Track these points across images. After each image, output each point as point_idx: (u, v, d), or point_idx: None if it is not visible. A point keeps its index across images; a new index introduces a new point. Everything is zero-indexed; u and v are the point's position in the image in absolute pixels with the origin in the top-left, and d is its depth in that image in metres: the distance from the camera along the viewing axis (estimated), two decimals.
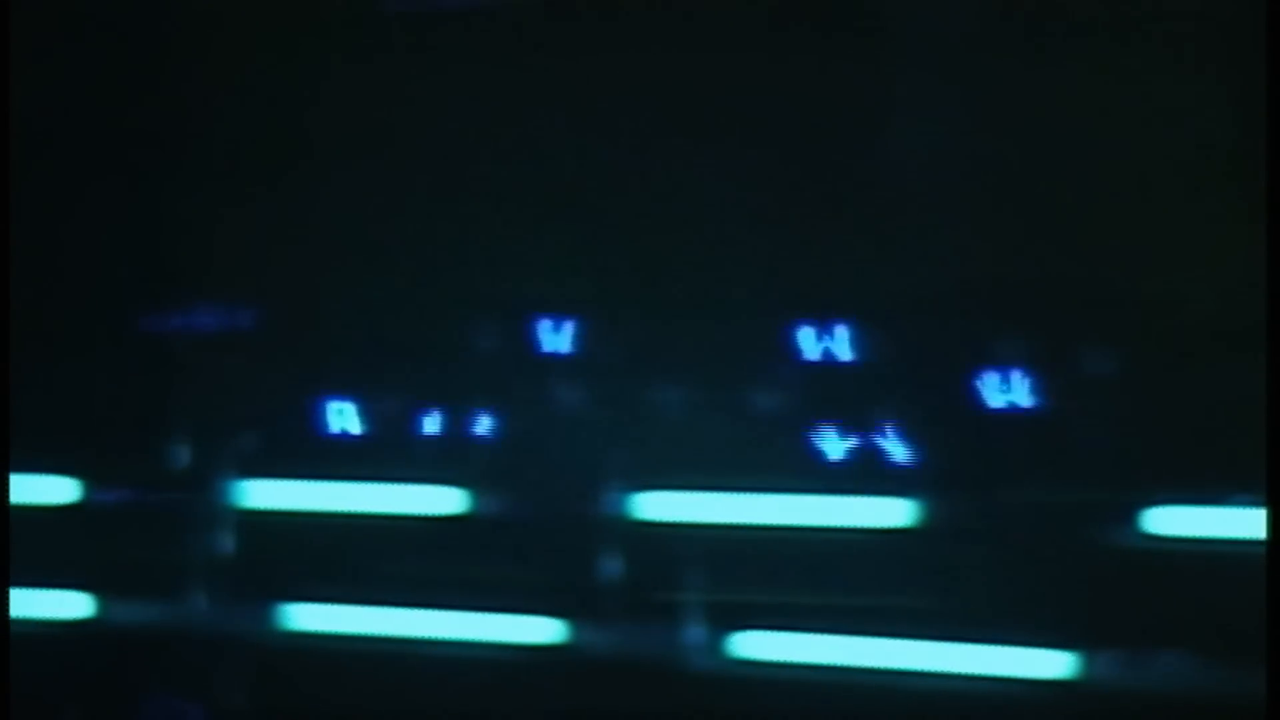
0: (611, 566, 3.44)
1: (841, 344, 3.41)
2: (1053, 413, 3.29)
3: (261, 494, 3.66)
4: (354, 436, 3.64)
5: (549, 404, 3.56)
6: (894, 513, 3.30)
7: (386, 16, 3.70)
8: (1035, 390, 3.30)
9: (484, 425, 3.58)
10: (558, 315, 3.57)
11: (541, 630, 3.47)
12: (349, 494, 3.61)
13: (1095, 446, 3.22)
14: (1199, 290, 3.20)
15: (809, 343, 3.43)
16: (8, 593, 3.51)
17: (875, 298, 3.40)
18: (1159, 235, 3.25)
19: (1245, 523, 3.05)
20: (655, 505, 3.45)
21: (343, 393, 3.65)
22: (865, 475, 3.35)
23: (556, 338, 3.57)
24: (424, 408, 3.60)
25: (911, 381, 3.37)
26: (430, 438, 3.60)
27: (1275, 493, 2.81)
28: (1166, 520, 3.15)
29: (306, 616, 3.62)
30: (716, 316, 3.47)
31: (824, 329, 3.42)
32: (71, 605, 3.72)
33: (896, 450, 3.37)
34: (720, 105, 3.52)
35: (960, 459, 3.32)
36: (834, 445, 3.39)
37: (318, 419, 3.65)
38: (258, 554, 3.65)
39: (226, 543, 3.66)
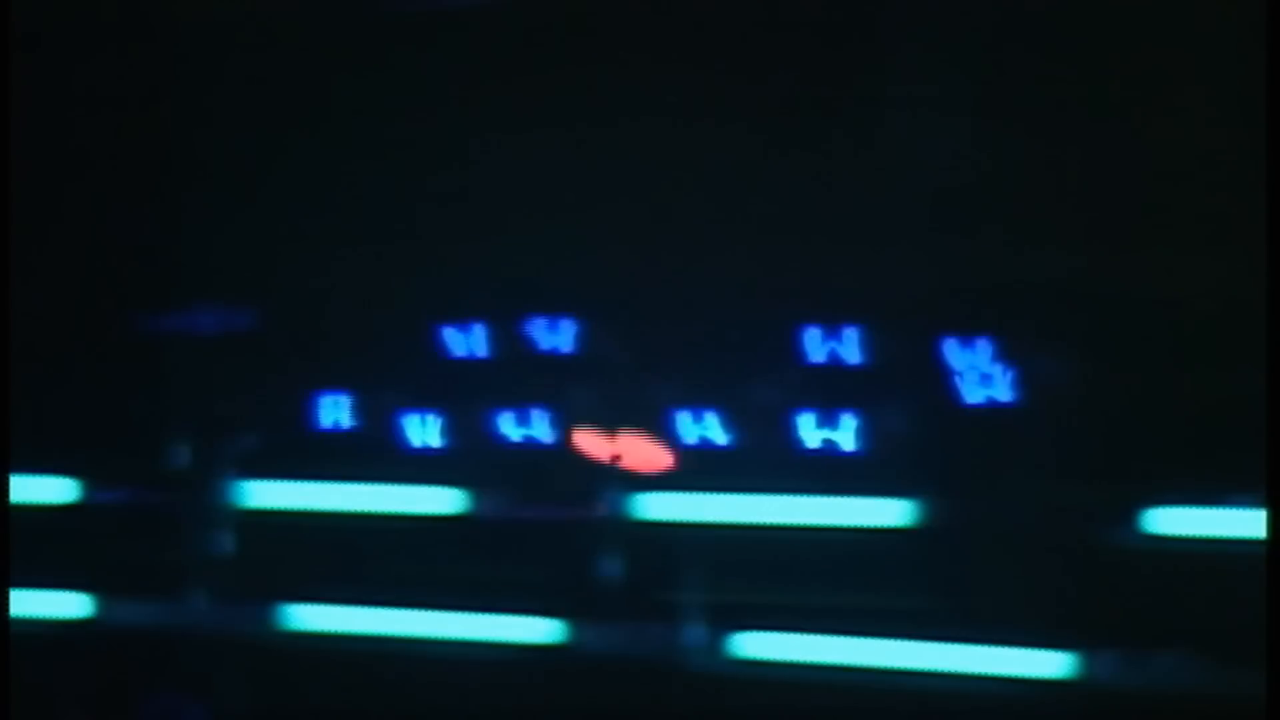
0: (611, 566, 3.44)
1: (843, 345, 3.41)
2: (1054, 413, 3.28)
3: (261, 494, 3.66)
4: (353, 437, 3.64)
5: (550, 404, 3.56)
6: (894, 513, 3.30)
7: (386, 16, 3.70)
8: (1036, 391, 3.30)
9: (484, 426, 3.58)
10: (557, 315, 3.56)
11: (541, 630, 3.47)
12: (349, 494, 3.61)
13: (1096, 447, 3.22)
14: (1199, 290, 3.20)
15: (811, 344, 3.42)
16: (8, 593, 3.51)
17: (878, 299, 3.40)
18: (1160, 235, 3.25)
19: (1245, 523, 3.05)
20: (655, 505, 3.45)
21: (342, 393, 3.65)
22: (865, 475, 3.35)
23: (557, 338, 3.57)
24: (423, 408, 3.60)
25: (913, 382, 3.36)
26: (430, 438, 3.60)
27: (1275, 493, 2.81)
28: (1166, 520, 3.15)
29: (306, 616, 3.62)
30: (716, 317, 3.47)
31: (828, 330, 3.42)
32: (71, 605, 3.72)
33: (897, 450, 3.37)
34: (724, 107, 3.52)
35: (961, 459, 3.32)
36: (833, 445, 3.39)
37: (317, 419, 3.65)
38: (258, 554, 3.65)
39: (226, 543, 3.66)
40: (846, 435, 3.38)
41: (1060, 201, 3.33)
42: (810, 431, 3.40)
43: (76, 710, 3.66)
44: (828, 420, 3.39)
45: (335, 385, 3.65)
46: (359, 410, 3.64)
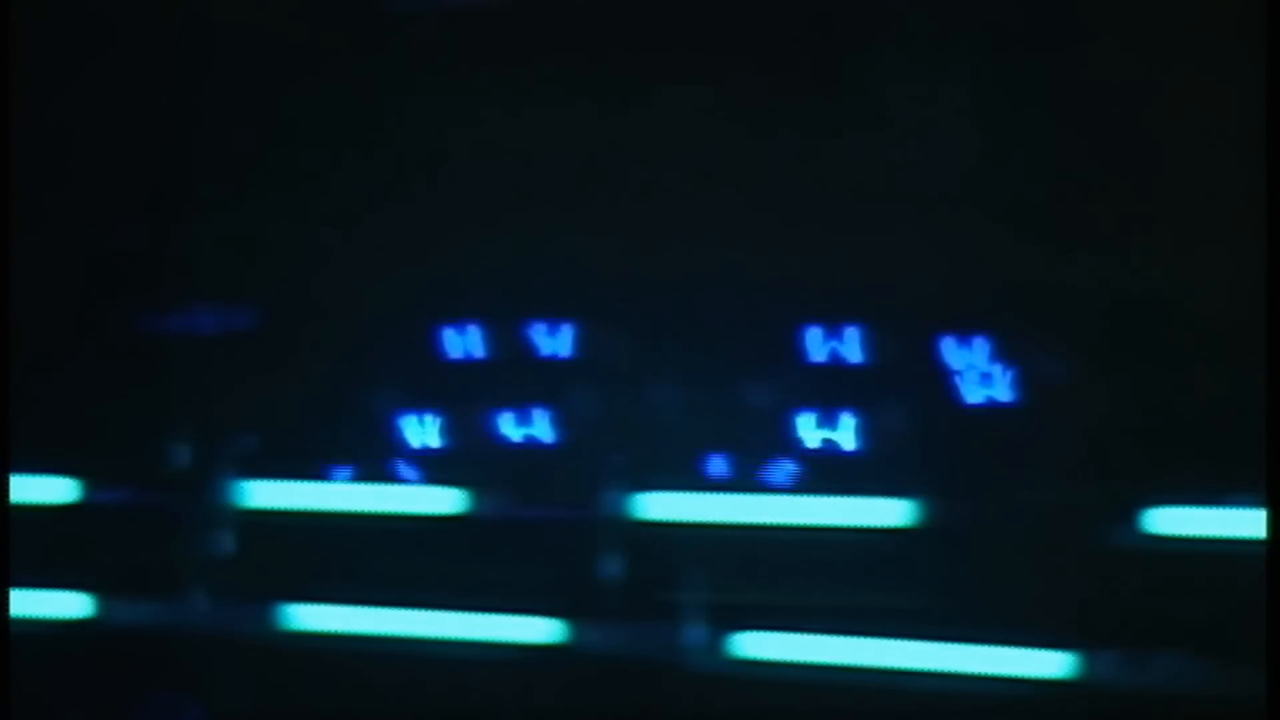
0: (611, 566, 3.44)
1: (843, 344, 3.41)
2: (1053, 412, 3.28)
3: (261, 494, 3.66)
4: (353, 436, 3.64)
5: (550, 405, 3.56)
6: (894, 513, 3.30)
7: (386, 16, 3.70)
8: (1035, 390, 3.30)
9: (484, 426, 3.58)
10: (556, 315, 3.57)
11: (541, 630, 3.47)
12: (349, 494, 3.61)
13: (1095, 446, 3.22)
14: (1198, 290, 3.20)
15: (812, 343, 3.43)
16: (8, 593, 3.51)
17: (878, 298, 3.40)
18: (1160, 235, 3.25)
19: (1245, 523, 3.04)
20: (655, 505, 3.44)
21: (342, 393, 3.65)
22: (865, 475, 3.35)
23: (556, 340, 3.57)
24: (423, 408, 3.60)
25: (912, 382, 3.37)
26: (429, 438, 3.60)
27: (1275, 493, 2.81)
28: (1166, 520, 3.15)
29: (306, 616, 3.62)
30: (715, 317, 3.47)
31: (828, 330, 3.42)
32: (71, 605, 3.72)
33: (896, 450, 3.37)
34: (722, 106, 3.52)
35: (960, 459, 3.32)
36: (833, 444, 3.39)
37: (317, 418, 3.65)
38: (258, 554, 3.65)
39: (226, 543, 3.66)
40: (846, 435, 3.38)
41: (1062, 201, 3.33)
42: (810, 431, 3.40)
43: (76, 710, 3.66)
44: (828, 420, 3.39)
45: (335, 385, 3.65)
46: (358, 410, 3.64)
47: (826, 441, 3.40)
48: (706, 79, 3.52)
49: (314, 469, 3.63)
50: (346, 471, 3.63)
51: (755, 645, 3.37)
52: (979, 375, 3.33)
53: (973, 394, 3.33)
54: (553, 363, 3.57)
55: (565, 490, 3.50)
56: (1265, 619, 2.66)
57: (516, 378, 3.57)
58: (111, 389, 3.74)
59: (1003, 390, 3.31)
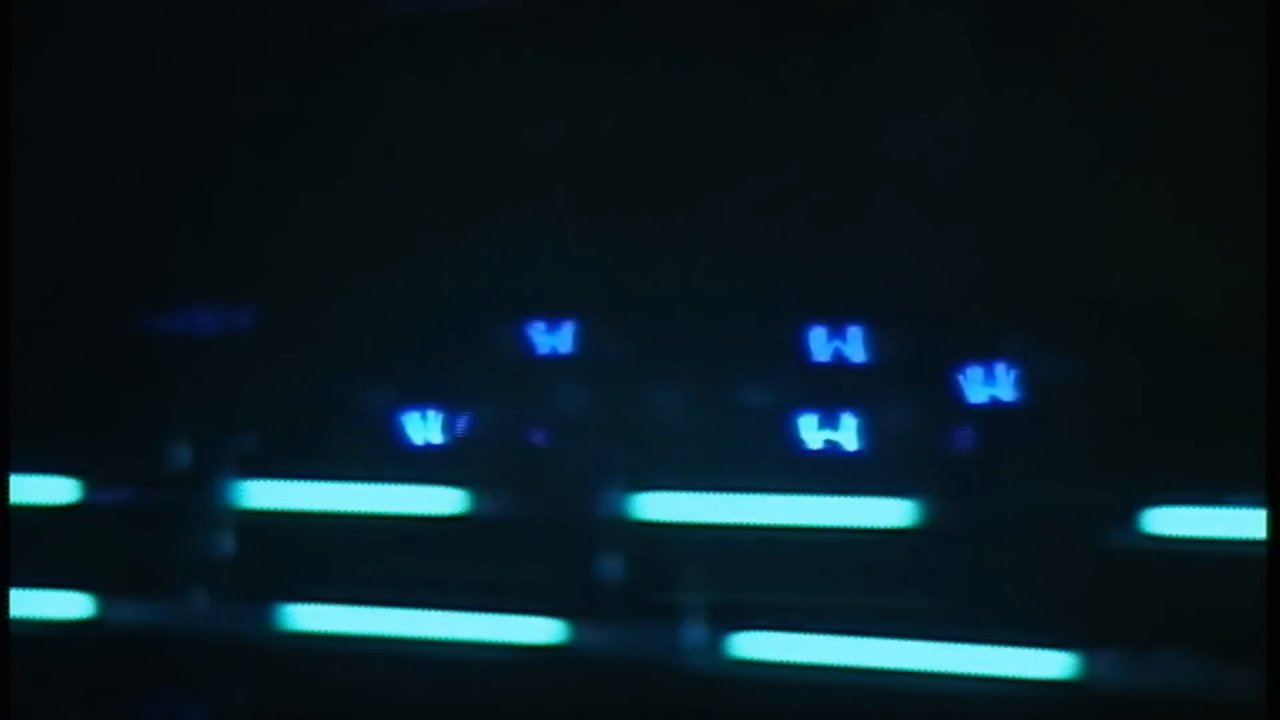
0: (611, 566, 3.44)
1: (844, 344, 3.41)
2: (1053, 412, 3.28)
3: (261, 494, 3.66)
4: (353, 436, 3.64)
5: (549, 404, 3.56)
6: (894, 513, 3.30)
7: (387, 17, 3.70)
8: (1036, 390, 3.30)
9: (484, 425, 3.58)
10: (557, 315, 3.56)
11: (541, 630, 3.47)
12: (349, 494, 3.61)
13: (1095, 446, 3.22)
14: (1199, 290, 3.20)
15: (814, 342, 3.42)
16: (8, 593, 3.51)
17: (879, 297, 3.40)
18: (1159, 235, 3.25)
19: (1245, 523, 3.04)
20: (655, 505, 3.44)
21: (341, 392, 3.65)
22: (865, 475, 3.34)
23: (555, 338, 3.57)
24: (423, 407, 3.60)
25: (912, 381, 3.36)
26: (430, 437, 3.60)
27: (1275, 493, 2.81)
28: (1166, 520, 3.14)
29: (306, 616, 3.62)
30: (715, 316, 3.47)
31: (830, 329, 3.42)
32: (71, 605, 3.72)
33: (897, 450, 3.36)
34: (722, 104, 3.52)
35: (961, 459, 3.32)
36: (835, 444, 3.39)
37: (317, 419, 3.65)
38: (258, 554, 3.65)
39: (226, 543, 3.66)
40: (848, 434, 3.38)
41: (1063, 201, 3.33)
42: (811, 431, 3.40)
43: (76, 710, 3.66)
44: (829, 419, 3.39)
45: (334, 384, 3.65)
46: (358, 409, 3.64)
47: (828, 441, 3.39)
48: (709, 78, 3.52)
49: (314, 469, 3.63)
50: (345, 471, 3.62)
51: (755, 645, 3.37)
52: (980, 375, 3.33)
53: (973, 394, 3.33)
54: (552, 361, 3.57)
55: (565, 490, 3.50)
56: (1265, 619, 2.65)
57: (516, 377, 3.57)
58: (111, 389, 3.74)
59: (1003, 390, 3.31)
